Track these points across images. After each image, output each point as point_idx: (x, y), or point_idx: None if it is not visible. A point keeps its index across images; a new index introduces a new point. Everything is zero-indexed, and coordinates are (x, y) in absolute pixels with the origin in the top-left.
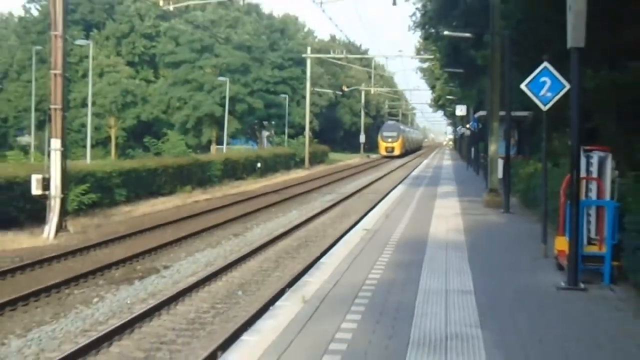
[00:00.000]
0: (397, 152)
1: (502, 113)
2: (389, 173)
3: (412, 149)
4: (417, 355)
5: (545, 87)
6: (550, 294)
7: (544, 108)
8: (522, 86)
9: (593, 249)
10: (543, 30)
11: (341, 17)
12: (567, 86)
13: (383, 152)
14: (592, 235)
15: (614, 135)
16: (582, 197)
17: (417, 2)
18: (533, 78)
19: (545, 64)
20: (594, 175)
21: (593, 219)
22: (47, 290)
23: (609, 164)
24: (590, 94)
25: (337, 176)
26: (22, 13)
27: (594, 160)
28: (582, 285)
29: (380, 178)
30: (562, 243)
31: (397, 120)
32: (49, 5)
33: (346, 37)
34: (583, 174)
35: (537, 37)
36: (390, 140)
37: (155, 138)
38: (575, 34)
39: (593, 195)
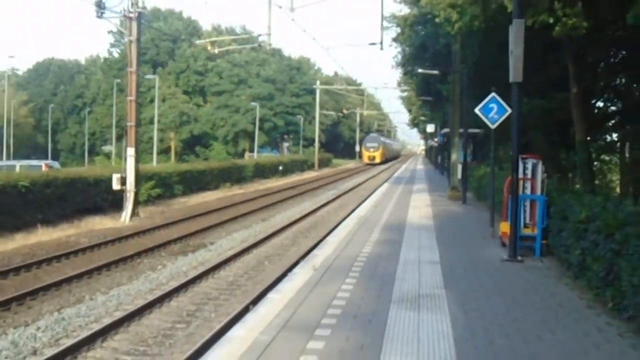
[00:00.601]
0: (378, 160)
1: (460, 130)
2: (377, 174)
3: (391, 157)
4: (398, 308)
5: (493, 111)
6: (496, 264)
7: (492, 126)
8: (476, 110)
9: (528, 231)
10: (491, 69)
11: (342, 58)
12: (509, 110)
13: (366, 160)
14: (527, 220)
15: (543, 147)
16: (520, 192)
17: (398, 47)
18: (484, 104)
19: (493, 94)
20: (529, 176)
21: (528, 209)
22: (124, 259)
23: (540, 168)
24: (526, 116)
25: (338, 177)
26: (106, 55)
27: (529, 165)
28: (519, 258)
29: (370, 178)
30: (505, 226)
31: (379, 132)
32: (126, 50)
33: (346, 73)
34: (521, 175)
35: (487, 74)
36: (372, 150)
37: (204, 147)
38: (515, 72)
39: (528, 191)
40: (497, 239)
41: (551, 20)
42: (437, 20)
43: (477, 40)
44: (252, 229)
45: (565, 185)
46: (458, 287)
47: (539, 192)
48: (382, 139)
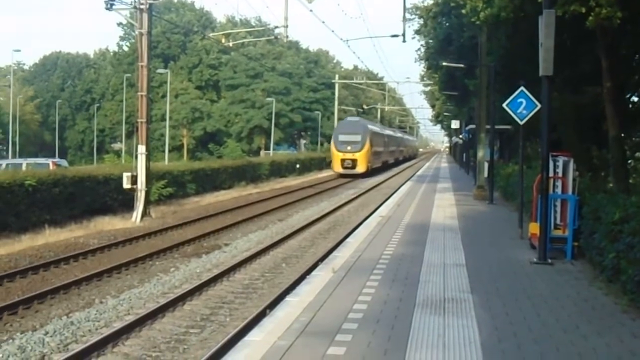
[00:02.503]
0: (360, 168)
1: (487, 126)
2: (399, 172)
3: (397, 159)
4: (422, 313)
5: (521, 106)
6: (524, 267)
7: (521, 123)
8: (504, 105)
9: (558, 232)
10: (519, 62)
11: (362, 51)
12: (539, 106)
13: (338, 168)
14: (558, 221)
15: (574, 144)
16: (550, 191)
17: (421, 40)
18: (512, 99)
19: (522, 88)
20: (560, 175)
21: (558, 209)
22: (135, 261)
23: (571, 166)
24: (556, 111)
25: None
26: (115, 48)
27: (560, 163)
28: (549, 261)
29: (392, 177)
30: (534, 227)
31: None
32: (136, 43)
33: (366, 67)
34: (551, 174)
35: (515, 68)
36: (349, 148)
37: (218, 145)
38: (545, 65)
39: (559, 190)
40: (526, 241)
41: (583, 10)
42: (463, 11)
43: (504, 32)
44: (269, 229)
45: (597, 184)
46: (485, 291)
47: (570, 191)
48: (371, 126)
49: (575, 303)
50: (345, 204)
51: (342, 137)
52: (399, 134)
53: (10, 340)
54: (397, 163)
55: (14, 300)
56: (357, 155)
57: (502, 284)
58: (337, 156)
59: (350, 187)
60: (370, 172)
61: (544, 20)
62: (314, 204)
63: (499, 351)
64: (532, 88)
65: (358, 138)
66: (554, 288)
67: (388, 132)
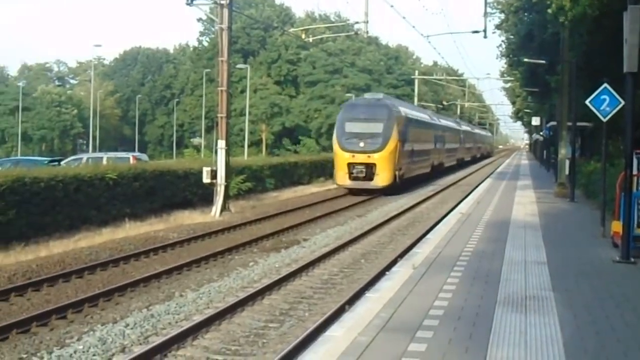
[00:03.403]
0: (382, 180)
1: (569, 123)
2: (479, 169)
3: (454, 159)
4: (503, 310)
5: (604, 103)
6: (607, 266)
7: (604, 120)
8: (587, 102)
9: None
10: (602, 59)
11: (442, 47)
12: (622, 102)
13: (343, 181)
14: None
15: None
16: (634, 189)
17: (502, 36)
18: (595, 96)
19: (605, 85)
20: None
21: None
22: (214, 255)
23: None
24: None
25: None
26: (195, 43)
27: None
28: (632, 260)
29: (471, 173)
30: (617, 226)
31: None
32: (216, 38)
33: (446, 63)
34: (635, 171)
35: (597, 64)
36: (362, 145)
37: (294, 142)
38: (629, 62)
39: None
40: (608, 239)
41: None
42: (549, 10)
43: (586, 28)
44: (347, 225)
45: None
46: (567, 289)
47: None
48: (403, 109)
49: None
50: (425, 200)
51: (350, 126)
52: (464, 127)
53: (91, 332)
54: (462, 165)
55: (95, 292)
56: (375, 158)
57: (584, 282)
58: (342, 159)
59: (430, 183)
60: (400, 186)
61: (629, 16)
62: (393, 200)
63: (581, 350)
64: (616, 85)
65: (378, 128)
66: (637, 287)
67: (443, 122)
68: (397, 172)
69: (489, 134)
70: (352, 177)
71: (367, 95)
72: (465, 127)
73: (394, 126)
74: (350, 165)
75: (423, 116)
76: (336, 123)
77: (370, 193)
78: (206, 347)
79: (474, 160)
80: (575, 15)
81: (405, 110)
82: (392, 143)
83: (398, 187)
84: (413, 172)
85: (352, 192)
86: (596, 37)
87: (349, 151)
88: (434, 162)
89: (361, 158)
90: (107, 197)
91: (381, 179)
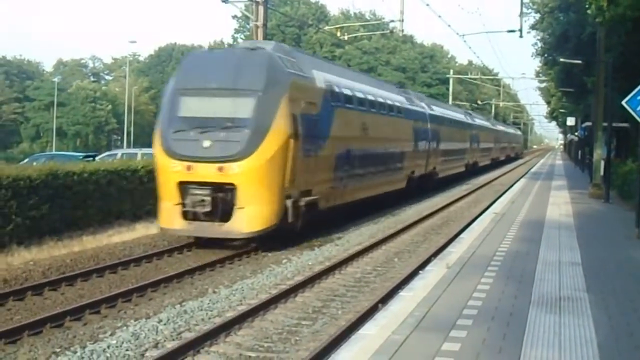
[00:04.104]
0: (243, 224)
1: (604, 124)
2: (514, 168)
3: (476, 166)
4: (537, 311)
5: None
6: None
7: None
8: (623, 103)
9: None
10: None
11: (477, 46)
12: None
13: (168, 221)
14: None
15: None
16: None
17: (538, 35)
18: (632, 96)
19: None
20: None
21: None
22: (248, 252)
23: None
24: None
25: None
26: (230, 40)
27: None
28: None
29: (505, 173)
30: None
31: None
32: (251, 35)
33: (481, 62)
34: None
35: (634, 65)
36: (206, 146)
37: None
38: None
39: None
40: None
41: None
42: (588, 11)
43: (624, 28)
44: (381, 223)
45: None
46: (601, 290)
47: None
48: (323, 74)
49: None
50: (458, 199)
51: (187, 105)
52: (479, 121)
53: (125, 327)
54: (475, 172)
55: (128, 287)
56: (234, 173)
57: (618, 283)
58: (166, 174)
59: (464, 182)
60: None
61: None
62: (426, 199)
63: (615, 351)
64: None
65: (244, 108)
66: None
67: (438, 110)
68: (292, 201)
69: (516, 131)
70: (187, 215)
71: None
72: (480, 122)
73: (284, 104)
74: (184, 189)
75: (385, 96)
76: (162, 99)
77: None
78: (239, 344)
79: (495, 163)
80: (614, 16)
81: (331, 78)
82: (275, 140)
83: (296, 231)
84: (346, 196)
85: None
86: (634, 37)
87: (181, 158)
88: (414, 171)
89: (201, 172)
90: (141, 191)
91: (248, 217)
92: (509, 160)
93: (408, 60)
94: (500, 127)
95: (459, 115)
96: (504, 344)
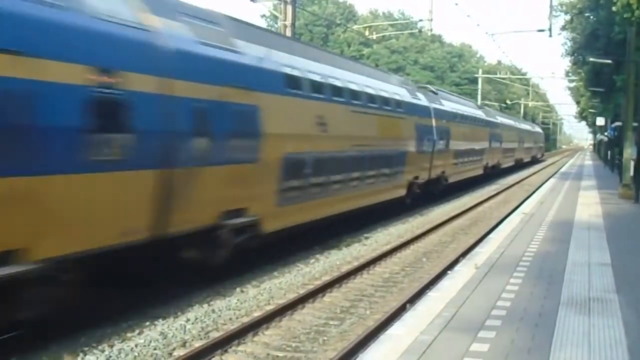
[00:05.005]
0: None
1: (634, 124)
2: (543, 168)
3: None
4: (566, 312)
5: None
6: None
7: None
8: None
9: None
10: None
11: (507, 46)
12: None
13: None
14: None
15: None
16: None
17: (568, 35)
18: None
19: None
20: None
21: None
22: (276, 252)
23: None
24: None
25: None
26: None
27: None
28: None
29: (534, 173)
30: None
31: None
32: None
33: (510, 61)
34: None
35: None
36: None
37: None
38: None
39: None
40: None
41: None
42: (614, 8)
43: None
44: (409, 223)
45: None
46: (631, 292)
47: None
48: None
49: None
50: (487, 199)
51: None
52: (500, 118)
53: (153, 326)
54: (496, 175)
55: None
56: None
57: None
58: None
59: (491, 182)
60: None
61: None
62: (455, 199)
63: None
64: None
65: None
66: None
67: (448, 104)
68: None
69: (536, 128)
70: None
71: None
72: (486, 117)
73: None
74: None
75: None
76: None
77: None
78: (266, 344)
79: (505, 169)
80: None
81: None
82: None
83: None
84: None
85: None
86: None
87: None
88: (417, 176)
89: None
90: None
91: None
92: (534, 162)
93: (436, 60)
94: (525, 126)
95: (475, 111)
96: (532, 344)
